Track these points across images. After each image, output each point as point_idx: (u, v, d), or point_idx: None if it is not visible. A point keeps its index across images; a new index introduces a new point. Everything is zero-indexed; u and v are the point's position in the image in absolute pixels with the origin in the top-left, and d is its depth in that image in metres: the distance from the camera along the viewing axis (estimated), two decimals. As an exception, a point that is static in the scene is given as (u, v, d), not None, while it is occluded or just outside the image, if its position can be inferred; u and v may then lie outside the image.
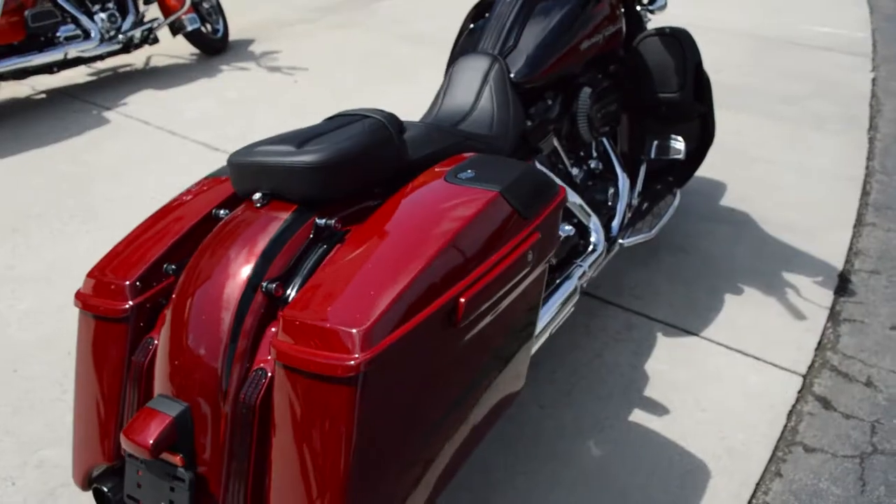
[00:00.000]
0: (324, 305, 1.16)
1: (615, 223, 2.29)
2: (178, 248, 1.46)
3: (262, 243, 1.33)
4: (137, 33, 4.49)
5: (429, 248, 1.23)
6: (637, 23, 2.43)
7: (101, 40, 4.29)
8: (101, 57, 4.38)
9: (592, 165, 2.28)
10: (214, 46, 5.09)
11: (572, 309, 1.99)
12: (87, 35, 4.24)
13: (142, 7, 4.59)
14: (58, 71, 4.20)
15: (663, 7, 2.44)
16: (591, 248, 2.11)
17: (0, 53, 3.89)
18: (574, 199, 2.07)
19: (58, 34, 4.11)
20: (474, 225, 1.28)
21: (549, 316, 1.86)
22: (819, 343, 2.30)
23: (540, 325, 1.84)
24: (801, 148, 3.69)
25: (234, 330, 1.27)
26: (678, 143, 2.39)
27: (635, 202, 2.40)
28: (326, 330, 1.11)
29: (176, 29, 4.71)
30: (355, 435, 1.10)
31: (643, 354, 2.24)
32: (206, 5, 5.03)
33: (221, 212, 1.51)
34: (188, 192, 1.61)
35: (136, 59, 5.07)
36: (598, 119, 2.12)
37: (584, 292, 2.52)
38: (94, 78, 4.72)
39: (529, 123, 2.00)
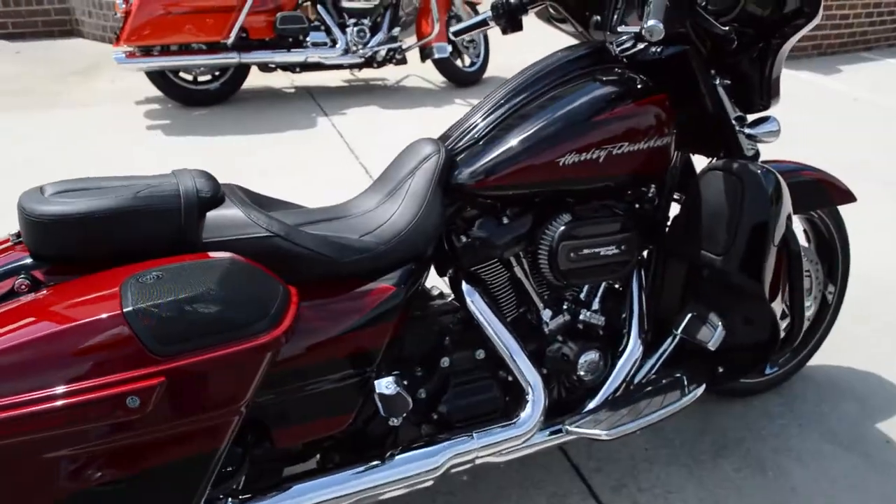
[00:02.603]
0: None
1: (592, 403, 1.68)
2: None
3: None
4: (382, 51, 4.67)
5: None
6: (735, 150, 1.75)
7: (345, 52, 4.55)
8: (340, 66, 4.65)
9: (584, 317, 1.70)
10: (463, 78, 5.09)
11: (429, 483, 1.51)
12: (333, 44, 4.53)
13: (396, 30, 4.77)
14: (300, 71, 4.56)
15: (775, 134, 1.72)
16: (511, 423, 1.58)
17: (251, 46, 4.34)
18: (509, 349, 1.57)
19: (307, 39, 4.45)
20: (54, 341, 1.00)
21: (380, 482, 1.43)
22: None
23: (350, 489, 1.42)
24: None
25: None
26: (711, 328, 1.66)
27: (641, 380, 1.74)
28: None
29: (425, 55, 4.81)
30: None
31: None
32: (466, 37, 5.05)
33: None
34: None
35: (391, 75, 5.30)
36: (568, 260, 1.56)
37: (575, 468, 1.93)
38: (344, 84, 5.04)
39: (465, 239, 1.56)
